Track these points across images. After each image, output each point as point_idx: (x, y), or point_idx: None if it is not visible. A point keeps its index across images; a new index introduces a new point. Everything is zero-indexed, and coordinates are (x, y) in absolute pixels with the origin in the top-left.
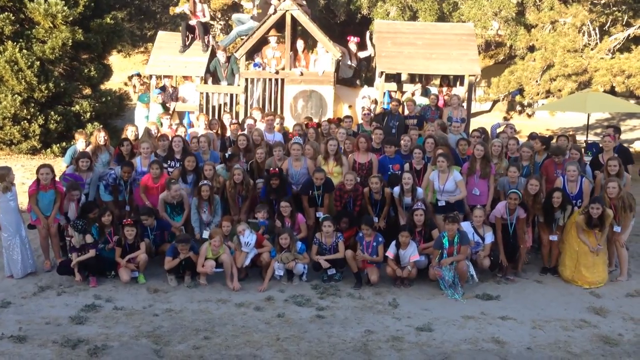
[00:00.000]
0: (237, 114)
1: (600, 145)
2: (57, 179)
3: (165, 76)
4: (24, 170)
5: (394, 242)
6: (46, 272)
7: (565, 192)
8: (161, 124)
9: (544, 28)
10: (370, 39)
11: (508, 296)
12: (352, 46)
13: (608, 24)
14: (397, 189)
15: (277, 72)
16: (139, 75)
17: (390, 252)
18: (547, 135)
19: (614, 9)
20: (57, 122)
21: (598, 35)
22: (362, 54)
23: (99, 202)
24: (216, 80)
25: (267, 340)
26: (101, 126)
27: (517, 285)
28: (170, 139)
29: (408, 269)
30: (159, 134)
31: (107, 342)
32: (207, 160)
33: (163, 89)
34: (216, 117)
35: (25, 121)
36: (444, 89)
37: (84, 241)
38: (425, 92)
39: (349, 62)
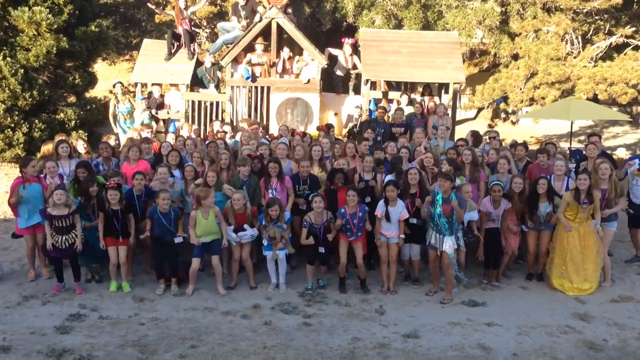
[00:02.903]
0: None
1: (584, 153)
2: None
3: (153, 84)
4: (8, 179)
5: (382, 201)
6: (30, 282)
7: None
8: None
9: (528, 36)
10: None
11: (494, 302)
12: (347, 48)
13: (590, 32)
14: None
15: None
16: (121, 83)
17: (379, 211)
18: (524, 142)
19: (596, 17)
20: (42, 130)
21: (581, 44)
22: (356, 60)
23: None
24: (203, 88)
25: (254, 348)
26: (86, 134)
27: (503, 291)
28: (154, 144)
29: (396, 240)
30: (142, 138)
31: (93, 351)
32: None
33: (149, 96)
34: (202, 125)
35: (9, 129)
36: (426, 97)
37: (66, 208)
38: (410, 101)
39: (343, 64)
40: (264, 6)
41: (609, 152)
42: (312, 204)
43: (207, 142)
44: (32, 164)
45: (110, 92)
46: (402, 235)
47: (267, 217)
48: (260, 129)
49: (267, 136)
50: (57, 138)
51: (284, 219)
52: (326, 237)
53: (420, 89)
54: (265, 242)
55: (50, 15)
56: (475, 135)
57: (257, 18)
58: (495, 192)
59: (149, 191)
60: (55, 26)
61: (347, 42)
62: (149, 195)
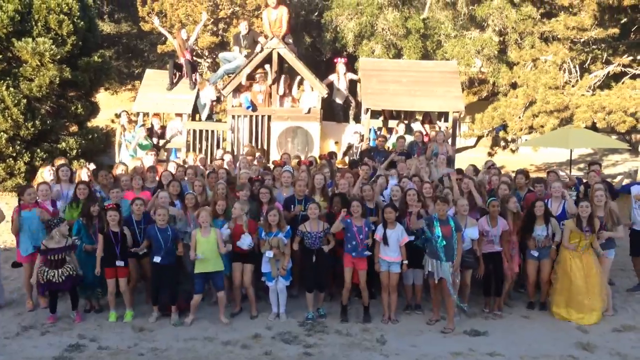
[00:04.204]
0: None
1: (585, 181)
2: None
3: (154, 115)
4: (9, 208)
5: (380, 225)
6: (29, 311)
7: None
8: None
9: (526, 65)
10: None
11: (496, 332)
12: (341, 67)
13: (588, 61)
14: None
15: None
16: (127, 112)
17: (378, 234)
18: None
19: (594, 47)
20: (43, 159)
21: (578, 73)
22: (350, 76)
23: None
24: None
25: None
26: (89, 163)
27: (505, 320)
28: (158, 172)
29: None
30: (148, 167)
31: None
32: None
33: (151, 128)
34: (203, 154)
35: (11, 159)
36: (427, 125)
37: (64, 239)
38: (410, 130)
39: (338, 86)
40: (265, 36)
41: (609, 179)
42: (308, 211)
43: (207, 172)
44: (28, 192)
45: (112, 121)
46: (406, 261)
47: (267, 225)
48: (257, 156)
49: (269, 165)
50: (57, 162)
51: (285, 228)
52: (321, 249)
53: (419, 117)
54: (265, 270)
55: (53, 46)
56: (474, 170)
57: (258, 48)
58: (494, 207)
59: (149, 218)
60: (59, 57)
61: (340, 61)
62: (148, 222)
